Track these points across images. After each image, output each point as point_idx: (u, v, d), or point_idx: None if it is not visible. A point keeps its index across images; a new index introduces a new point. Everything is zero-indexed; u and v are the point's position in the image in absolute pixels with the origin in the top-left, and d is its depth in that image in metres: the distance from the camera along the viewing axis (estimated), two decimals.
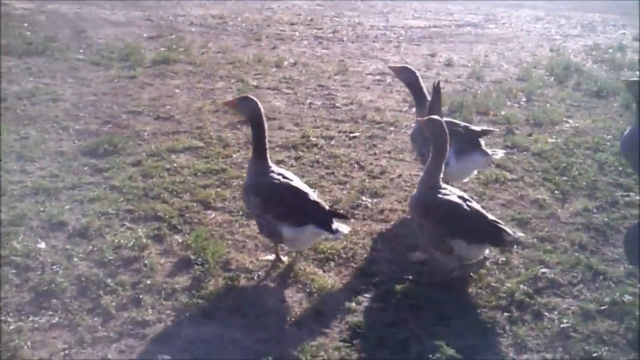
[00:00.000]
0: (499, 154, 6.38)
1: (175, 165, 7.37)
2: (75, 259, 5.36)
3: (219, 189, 6.79)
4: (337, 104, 10.00)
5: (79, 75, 11.13)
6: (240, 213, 6.30)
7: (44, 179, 6.83)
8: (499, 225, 5.03)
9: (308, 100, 10.15)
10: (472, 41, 15.75)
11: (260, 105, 5.40)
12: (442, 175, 5.28)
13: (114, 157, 7.49)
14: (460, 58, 13.48)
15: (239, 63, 12.36)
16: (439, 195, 5.13)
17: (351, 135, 8.61)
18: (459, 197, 5.16)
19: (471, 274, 5.39)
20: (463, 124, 6.34)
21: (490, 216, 5.17)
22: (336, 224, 5.02)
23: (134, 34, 15.05)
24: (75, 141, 8.02)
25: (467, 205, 5.10)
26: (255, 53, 13.31)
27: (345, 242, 5.82)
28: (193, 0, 20.75)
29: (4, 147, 7.54)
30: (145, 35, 14.95)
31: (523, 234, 5.76)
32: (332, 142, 8.32)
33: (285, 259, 5.51)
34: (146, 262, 5.37)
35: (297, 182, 5.28)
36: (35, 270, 5.20)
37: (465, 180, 6.64)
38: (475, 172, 6.65)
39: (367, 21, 17.70)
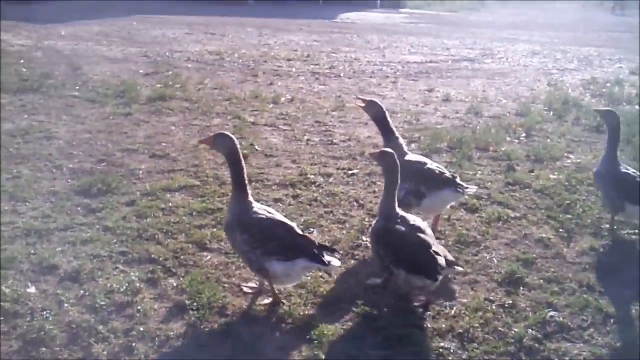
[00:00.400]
0: (472, 189, 6.51)
1: (170, 204, 7.20)
2: (66, 305, 5.13)
3: (214, 229, 6.59)
4: (334, 141, 9.89)
5: (74, 112, 11.02)
6: (237, 255, 6.11)
7: (36, 219, 6.64)
8: (436, 257, 5.07)
9: (305, 137, 10.03)
10: (470, 76, 15.76)
11: (236, 142, 5.33)
12: (395, 204, 5.43)
13: (107, 197, 7.31)
14: (457, 93, 13.44)
15: (236, 99, 12.28)
16: (389, 225, 5.31)
17: (350, 172, 8.47)
18: (411, 226, 5.27)
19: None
20: (435, 165, 6.53)
21: (435, 247, 5.19)
22: (327, 257, 5.01)
23: (130, 70, 15.02)
24: (69, 180, 7.85)
25: (414, 235, 5.20)
26: (252, 89, 13.25)
27: (345, 285, 5.64)
28: (190, 36, 20.82)
29: None
30: (141, 71, 14.91)
31: (461, 267, 5.64)
32: (331, 180, 8.18)
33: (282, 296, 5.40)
34: (139, 307, 5.15)
35: (281, 217, 5.29)
36: (24, 316, 4.96)
37: (443, 215, 6.90)
38: (449, 206, 6.80)
39: (364, 57, 17.74)
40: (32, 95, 12.10)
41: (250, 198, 5.33)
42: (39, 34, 19.96)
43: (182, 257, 6.03)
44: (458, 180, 6.40)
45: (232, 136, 5.37)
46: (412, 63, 17.03)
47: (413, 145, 9.66)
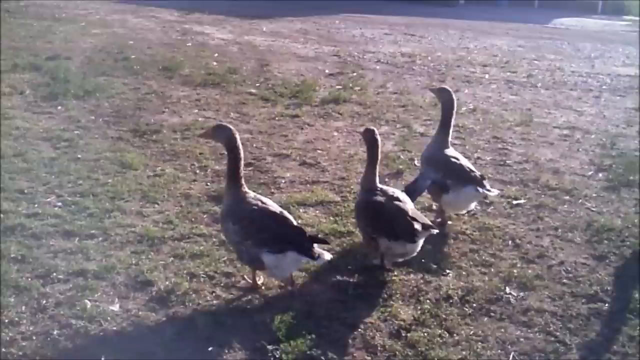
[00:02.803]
0: (494, 192, 6.44)
1: (300, 221, 6.54)
2: (143, 328, 4.65)
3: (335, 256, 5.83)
4: (508, 161, 8.66)
5: (244, 110, 10.79)
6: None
7: (156, 224, 6.30)
8: (413, 221, 5.26)
9: (476, 155, 8.91)
10: None
11: (235, 133, 5.30)
12: (377, 179, 5.69)
13: None
14: None
15: (412, 106, 11.40)
16: (368, 198, 5.58)
17: (514, 202, 7.27)
18: (388, 197, 5.52)
19: None
20: (467, 163, 6.52)
21: (413, 213, 5.37)
22: (318, 250, 4.90)
23: (316, 69, 14.67)
24: (207, 184, 7.50)
25: (392, 204, 5.43)
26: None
27: (466, 351, 4.59)
28: (388, 37, 20.18)
29: (133, 185, 7.18)
30: (327, 71, 14.51)
31: (437, 230, 5.52)
32: (489, 209, 7.05)
33: (260, 282, 5.28)
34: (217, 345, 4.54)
35: (276, 208, 5.17)
36: (91, 337, 4.55)
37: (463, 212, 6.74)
38: (473, 205, 6.64)
39: (569, 66, 15.95)
40: (210, 90, 12.10)
41: (245, 188, 5.25)
42: (241, 29, 20.39)
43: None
44: (485, 182, 6.33)
45: (231, 127, 5.37)
46: (623, 76, 14.99)
47: (600, 174, 8.18)
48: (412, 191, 6.33)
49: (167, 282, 5.22)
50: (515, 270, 5.69)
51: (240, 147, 5.30)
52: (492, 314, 5.09)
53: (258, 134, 9.54)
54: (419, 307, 5.08)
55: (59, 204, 6.59)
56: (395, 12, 26.78)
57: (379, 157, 5.72)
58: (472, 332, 4.80)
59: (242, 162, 5.32)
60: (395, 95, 12.32)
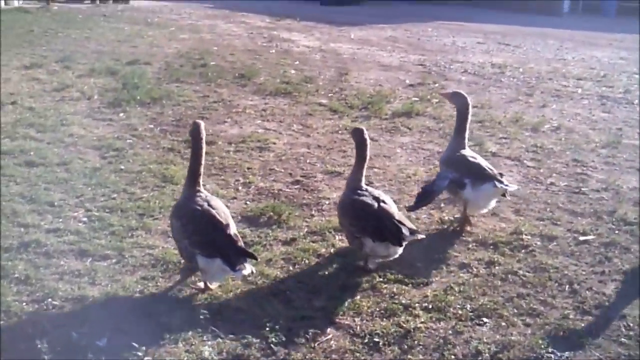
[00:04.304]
0: (513, 187, 6.37)
1: (332, 250, 5.99)
2: None
3: (358, 298, 5.22)
4: (584, 189, 7.74)
5: (308, 122, 10.32)
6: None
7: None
8: (399, 225, 5.30)
9: (549, 180, 8.03)
10: None
11: (202, 130, 5.33)
12: (363, 179, 5.80)
13: (269, 230, 6.35)
14: None
15: (489, 122, 10.56)
16: (354, 196, 5.60)
17: (581, 237, 6.40)
18: (374, 198, 5.54)
19: None
20: (484, 162, 6.52)
21: (399, 217, 5.41)
22: (243, 264, 4.77)
23: (397, 79, 14.02)
24: (247, 202, 7.06)
25: (378, 205, 5.44)
26: (516, 111, 11.38)
27: None
28: (480, 46, 19.22)
29: (167, 201, 6.82)
30: (407, 81, 13.84)
31: (423, 235, 5.54)
32: (551, 246, 6.22)
33: (214, 286, 5.18)
34: None
35: (221, 212, 5.09)
36: None
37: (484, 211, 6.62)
38: (493, 203, 6.54)
39: None
40: (280, 99, 11.71)
41: (200, 187, 5.31)
42: (329, 36, 19.96)
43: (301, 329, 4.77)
44: (504, 178, 6.35)
45: (201, 123, 5.38)
46: None
47: None
48: (430, 191, 6.35)
49: (163, 317, 4.78)
50: (565, 323, 4.88)
51: (203, 145, 5.34)
52: None
53: (316, 148, 9.04)
54: None
55: (85, 219, 6.33)
56: (493, 21, 25.57)
57: (368, 157, 5.82)
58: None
59: (203, 160, 5.36)
60: (475, 110, 11.36)
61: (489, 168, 6.40)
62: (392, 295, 5.23)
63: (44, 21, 19.65)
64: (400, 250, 5.43)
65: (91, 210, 6.53)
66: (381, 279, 5.47)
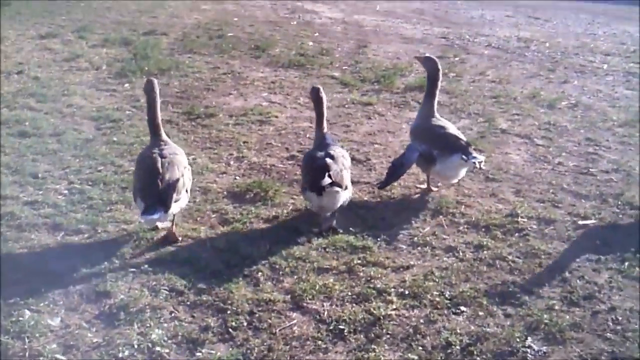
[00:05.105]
0: (480, 158, 6.12)
1: (316, 229, 5.75)
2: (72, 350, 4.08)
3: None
4: (593, 170, 7.36)
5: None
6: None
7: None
8: (321, 174, 5.36)
9: (557, 160, 7.65)
10: None
11: (155, 87, 5.61)
12: (325, 136, 6.03)
13: (252, 207, 6.14)
14: None
15: (505, 98, 10.16)
16: (311, 152, 5.92)
17: (581, 222, 6.06)
18: (326, 154, 5.68)
19: None
20: (453, 130, 6.46)
21: (334, 173, 5.43)
22: (155, 215, 4.85)
23: (417, 52, 13.56)
24: (237, 177, 6.87)
25: (322, 159, 5.58)
26: (535, 86, 10.94)
27: None
28: (509, 19, 18.61)
29: None
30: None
31: (340, 189, 5.43)
32: (546, 230, 5.88)
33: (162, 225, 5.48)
34: None
35: (167, 161, 5.21)
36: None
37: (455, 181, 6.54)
38: (462, 173, 6.40)
39: None
40: (292, 71, 11.44)
41: (165, 137, 5.65)
42: (354, 8, 19.52)
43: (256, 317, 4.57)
44: (471, 149, 6.18)
45: (154, 81, 5.68)
46: None
47: None
48: (400, 165, 6.29)
49: (122, 296, 4.60)
50: (548, 315, 4.58)
51: (157, 97, 5.62)
52: None
53: None
54: (405, 356, 4.15)
55: (65, 191, 6.19)
56: None
57: (325, 115, 6.10)
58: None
59: (159, 112, 5.69)
60: (492, 85, 11.08)
61: (457, 137, 6.30)
62: (369, 279, 4.98)
63: None
64: (328, 201, 5.46)
65: (74, 182, 6.39)
66: (359, 262, 5.22)
